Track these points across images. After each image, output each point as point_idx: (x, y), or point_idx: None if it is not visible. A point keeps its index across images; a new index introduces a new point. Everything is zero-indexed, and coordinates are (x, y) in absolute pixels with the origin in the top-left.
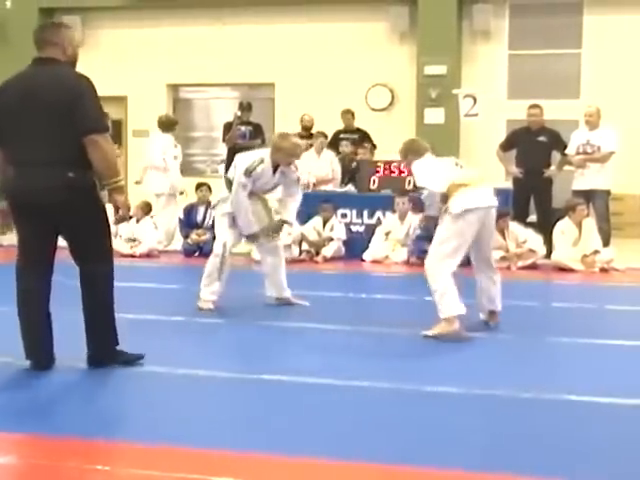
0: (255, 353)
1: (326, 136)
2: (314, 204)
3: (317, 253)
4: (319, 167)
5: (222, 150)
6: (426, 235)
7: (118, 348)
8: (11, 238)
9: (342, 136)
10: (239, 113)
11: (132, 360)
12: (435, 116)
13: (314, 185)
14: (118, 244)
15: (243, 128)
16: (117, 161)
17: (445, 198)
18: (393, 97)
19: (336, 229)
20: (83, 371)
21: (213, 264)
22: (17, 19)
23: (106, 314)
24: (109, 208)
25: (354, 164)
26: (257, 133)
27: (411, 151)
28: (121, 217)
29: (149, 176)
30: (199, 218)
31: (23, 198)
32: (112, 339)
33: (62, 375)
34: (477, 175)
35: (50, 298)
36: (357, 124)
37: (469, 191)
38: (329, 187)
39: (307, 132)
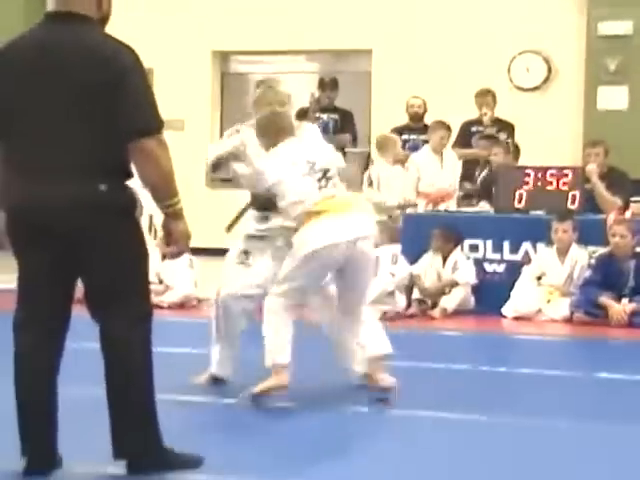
0: (329, 453)
1: (449, 128)
2: (425, 230)
3: (434, 305)
4: (439, 174)
5: None
6: (600, 279)
7: (165, 445)
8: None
9: (475, 129)
10: (317, 94)
11: (189, 463)
12: (614, 98)
13: (428, 203)
14: None
15: (325, 117)
16: (173, 174)
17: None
18: (550, 70)
19: (462, 269)
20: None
21: (209, 324)
22: None
23: (142, 395)
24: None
25: (485, 171)
26: (345, 124)
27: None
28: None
29: None
30: None
31: (30, 220)
32: (155, 432)
33: None
34: (343, 198)
35: (59, 368)
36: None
37: (322, 223)
38: (448, 204)
39: (418, 122)
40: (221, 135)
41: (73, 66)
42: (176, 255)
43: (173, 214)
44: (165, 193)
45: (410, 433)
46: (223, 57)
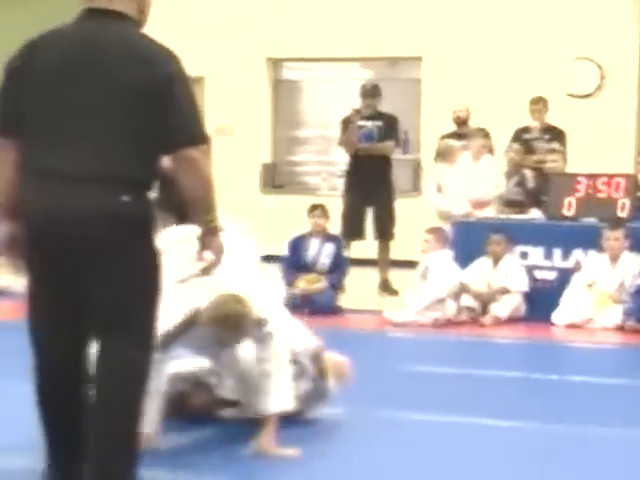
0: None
1: (488, 136)
2: (477, 237)
3: (484, 311)
4: (476, 181)
5: (341, 156)
6: None
7: None
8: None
9: (527, 136)
10: (358, 106)
11: None
12: None
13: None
14: None
15: (369, 124)
16: (214, 187)
17: None
18: (603, 77)
19: (513, 275)
20: None
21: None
22: None
23: (129, 426)
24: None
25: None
26: (390, 131)
27: None
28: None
29: None
30: (310, 255)
31: (45, 228)
32: (131, 468)
33: None
34: None
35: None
36: (548, 118)
37: None
38: (487, 211)
39: (463, 127)
40: (274, 142)
41: (116, 66)
42: (208, 271)
43: (212, 230)
44: (207, 206)
45: (461, 440)
46: (276, 64)
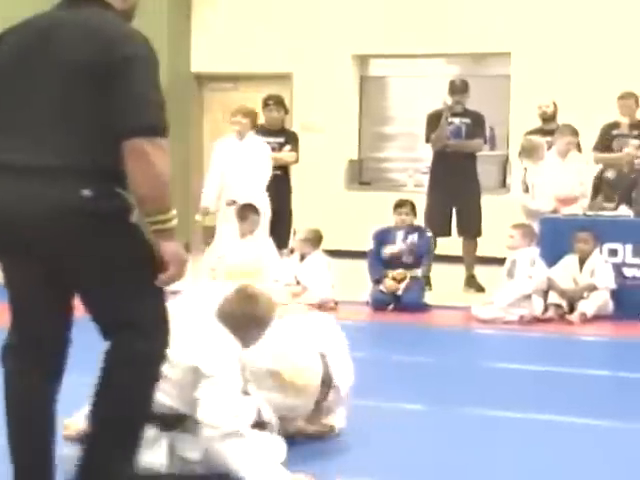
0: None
1: (577, 133)
2: (563, 234)
3: (572, 309)
4: (563, 178)
5: (427, 153)
6: None
7: None
8: None
9: (616, 132)
10: (450, 102)
11: None
12: None
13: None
14: (276, 290)
15: (457, 121)
16: (169, 185)
17: None
18: None
19: (600, 273)
20: None
21: None
22: None
23: (126, 424)
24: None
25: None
26: (476, 129)
27: None
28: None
29: None
30: (396, 249)
31: (4, 231)
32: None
33: None
34: None
35: (56, 401)
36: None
37: None
38: (574, 208)
39: (549, 123)
40: (360, 139)
41: (68, 49)
42: (164, 283)
43: (163, 232)
44: (154, 206)
45: (547, 439)
46: (362, 61)
